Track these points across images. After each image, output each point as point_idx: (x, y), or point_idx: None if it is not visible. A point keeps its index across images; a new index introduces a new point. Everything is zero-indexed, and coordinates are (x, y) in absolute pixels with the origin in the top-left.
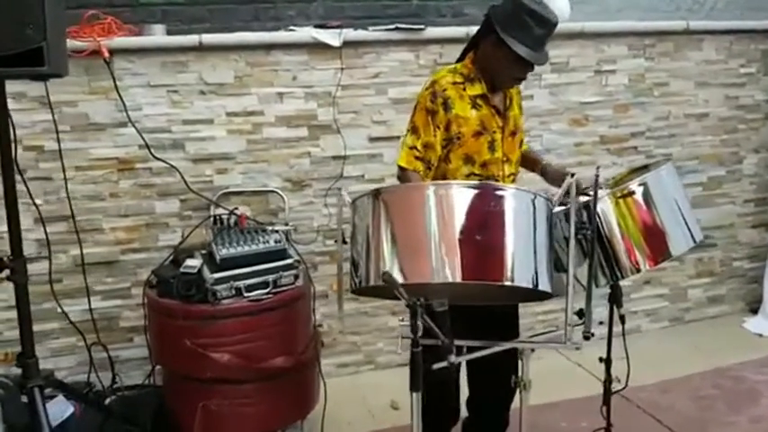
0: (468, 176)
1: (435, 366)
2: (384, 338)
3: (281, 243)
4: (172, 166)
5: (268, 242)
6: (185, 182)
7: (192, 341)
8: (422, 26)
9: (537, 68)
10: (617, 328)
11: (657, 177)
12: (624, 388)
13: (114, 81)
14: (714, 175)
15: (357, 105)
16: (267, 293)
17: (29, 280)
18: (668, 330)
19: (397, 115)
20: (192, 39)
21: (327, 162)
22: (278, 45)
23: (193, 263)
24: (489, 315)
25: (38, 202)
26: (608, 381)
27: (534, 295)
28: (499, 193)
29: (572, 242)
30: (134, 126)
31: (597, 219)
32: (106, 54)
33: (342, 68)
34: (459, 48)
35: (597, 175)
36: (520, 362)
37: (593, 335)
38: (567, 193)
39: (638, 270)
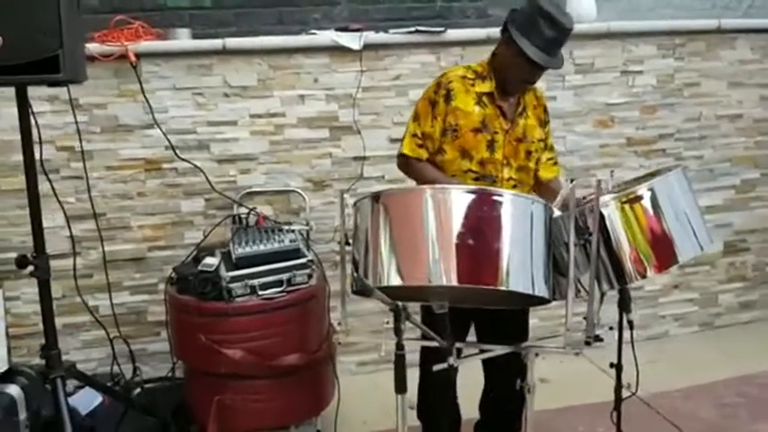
0: (465, 172)
1: (435, 368)
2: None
3: (296, 242)
4: (196, 166)
5: (283, 241)
6: (209, 182)
7: (206, 337)
8: (442, 28)
9: (560, 69)
10: (649, 331)
11: (666, 183)
12: (633, 394)
13: (141, 84)
14: (748, 178)
15: (378, 107)
16: (281, 292)
17: (61, 275)
18: (697, 336)
19: None
20: (215, 43)
21: (348, 163)
22: (300, 48)
23: (211, 261)
24: (496, 318)
25: (70, 200)
26: (618, 387)
27: (533, 300)
28: (497, 198)
29: (572, 248)
30: (159, 128)
31: (602, 223)
32: (133, 58)
33: (362, 71)
34: (481, 49)
35: (599, 181)
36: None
37: (600, 339)
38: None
39: (644, 276)
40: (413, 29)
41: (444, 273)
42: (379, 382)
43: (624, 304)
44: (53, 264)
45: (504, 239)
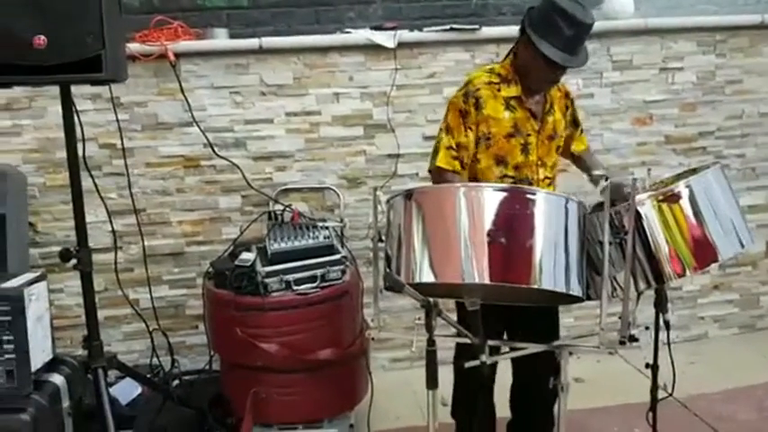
0: (501, 178)
1: (467, 365)
2: (436, 335)
3: (330, 239)
4: (233, 163)
5: (317, 238)
6: (246, 179)
7: (242, 330)
8: (477, 26)
9: (598, 66)
10: (687, 332)
11: (704, 180)
12: (670, 395)
13: (180, 83)
14: None
15: (412, 105)
16: (315, 287)
17: (103, 269)
18: (738, 338)
19: None
20: (252, 42)
21: (382, 160)
22: (335, 47)
23: (248, 256)
24: (526, 316)
25: (112, 196)
26: (654, 387)
27: (567, 299)
28: (530, 196)
29: (606, 246)
30: (198, 126)
31: (639, 222)
32: (172, 57)
33: (397, 69)
34: None
35: (635, 179)
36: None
37: (635, 339)
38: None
39: (682, 276)
40: (447, 27)
41: (476, 270)
42: (412, 379)
43: (661, 304)
44: (95, 257)
45: (536, 237)
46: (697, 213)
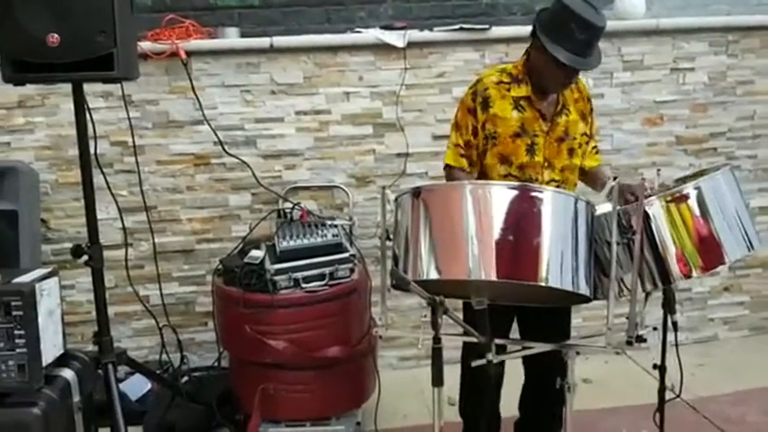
0: (504, 177)
1: (474, 363)
2: (443, 333)
3: (338, 237)
4: (243, 161)
5: (326, 236)
6: (256, 177)
7: (251, 328)
8: (487, 26)
9: (608, 66)
10: (697, 334)
11: (713, 182)
12: (677, 396)
13: (191, 81)
14: None
15: (421, 104)
16: (323, 285)
17: (114, 265)
18: (748, 340)
19: None
20: (263, 41)
21: (391, 159)
22: (345, 47)
23: (257, 254)
24: (537, 316)
25: (123, 193)
26: (662, 388)
27: (574, 298)
28: (537, 194)
29: (614, 246)
30: (209, 124)
31: (647, 223)
32: (183, 56)
33: (406, 68)
34: (525, 47)
35: (644, 179)
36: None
37: (642, 340)
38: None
39: (688, 277)
40: (457, 26)
41: (483, 268)
42: (419, 377)
43: (668, 305)
44: (106, 254)
45: (544, 236)
46: (705, 215)
